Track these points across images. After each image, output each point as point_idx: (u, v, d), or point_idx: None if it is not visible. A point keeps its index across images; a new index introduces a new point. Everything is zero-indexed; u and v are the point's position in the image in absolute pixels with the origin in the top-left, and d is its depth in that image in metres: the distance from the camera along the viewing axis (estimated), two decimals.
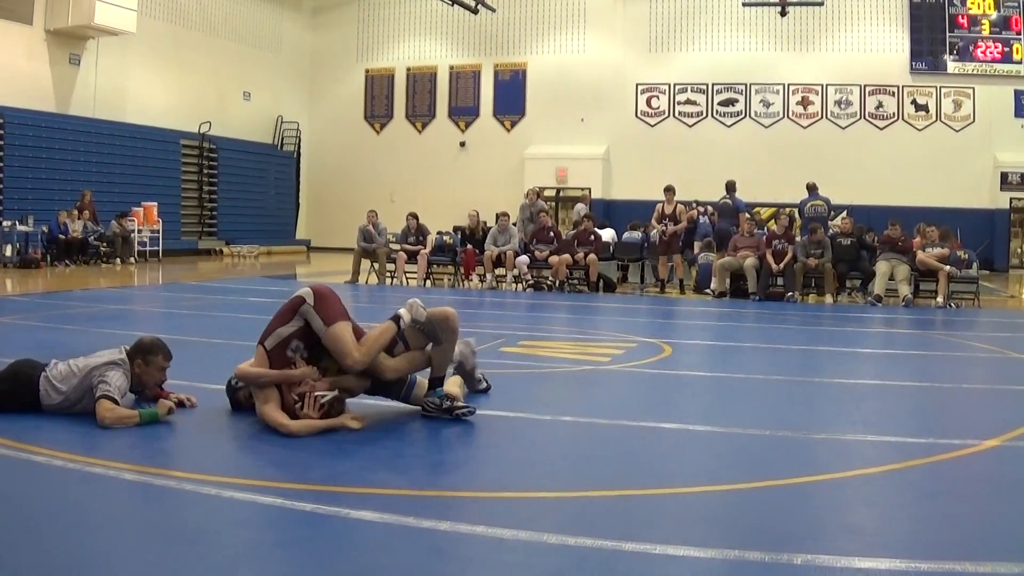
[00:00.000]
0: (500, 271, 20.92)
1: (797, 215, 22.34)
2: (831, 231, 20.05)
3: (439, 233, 22.14)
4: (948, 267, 17.87)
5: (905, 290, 17.86)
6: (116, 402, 6.32)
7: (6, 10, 25.47)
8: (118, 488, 5.15)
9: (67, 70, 27.72)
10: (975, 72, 31.18)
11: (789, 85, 32.86)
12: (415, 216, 22.06)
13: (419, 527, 4.47)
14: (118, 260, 25.74)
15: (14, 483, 5.20)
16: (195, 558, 4.09)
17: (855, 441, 6.66)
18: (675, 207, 20.49)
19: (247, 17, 35.38)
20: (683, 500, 5.16)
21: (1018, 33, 30.76)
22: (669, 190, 20.69)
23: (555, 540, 4.32)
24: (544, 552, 4.23)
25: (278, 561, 4.10)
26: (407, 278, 21.51)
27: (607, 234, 21.94)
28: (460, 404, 6.75)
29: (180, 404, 6.76)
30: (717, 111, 33.62)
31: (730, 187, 21.41)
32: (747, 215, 21.02)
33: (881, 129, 32.12)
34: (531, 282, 20.64)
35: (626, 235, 22.06)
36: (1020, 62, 30.73)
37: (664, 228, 20.14)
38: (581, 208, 25.54)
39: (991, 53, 31.06)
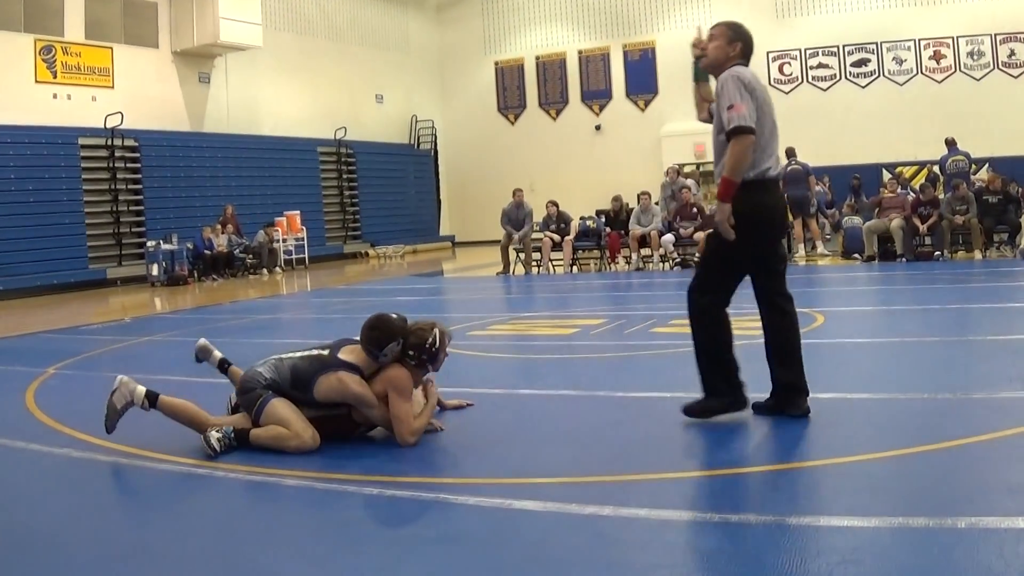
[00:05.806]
0: (646, 251, 20.83)
1: (938, 171, 21.85)
2: (975, 185, 19.60)
3: (582, 218, 22.09)
4: None
5: None
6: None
7: (132, 35, 26.06)
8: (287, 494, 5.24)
9: (197, 89, 28.29)
10: None
11: (920, 40, 31.92)
12: (555, 204, 22.05)
13: (582, 514, 4.48)
14: (264, 270, 26.17)
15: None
16: (356, 555, 4.19)
17: (1013, 398, 6.44)
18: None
19: (372, 20, 35.77)
20: (844, 470, 5.06)
21: None
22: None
23: (717, 518, 4.31)
24: (706, 530, 4.23)
25: (444, 555, 4.12)
26: (553, 266, 21.54)
27: None
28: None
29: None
30: (850, 72, 32.82)
31: (790, 152, 20.95)
32: (890, 175, 20.62)
33: (1015, 77, 30.97)
34: (678, 260, 20.48)
35: None
36: None
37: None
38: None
39: None
